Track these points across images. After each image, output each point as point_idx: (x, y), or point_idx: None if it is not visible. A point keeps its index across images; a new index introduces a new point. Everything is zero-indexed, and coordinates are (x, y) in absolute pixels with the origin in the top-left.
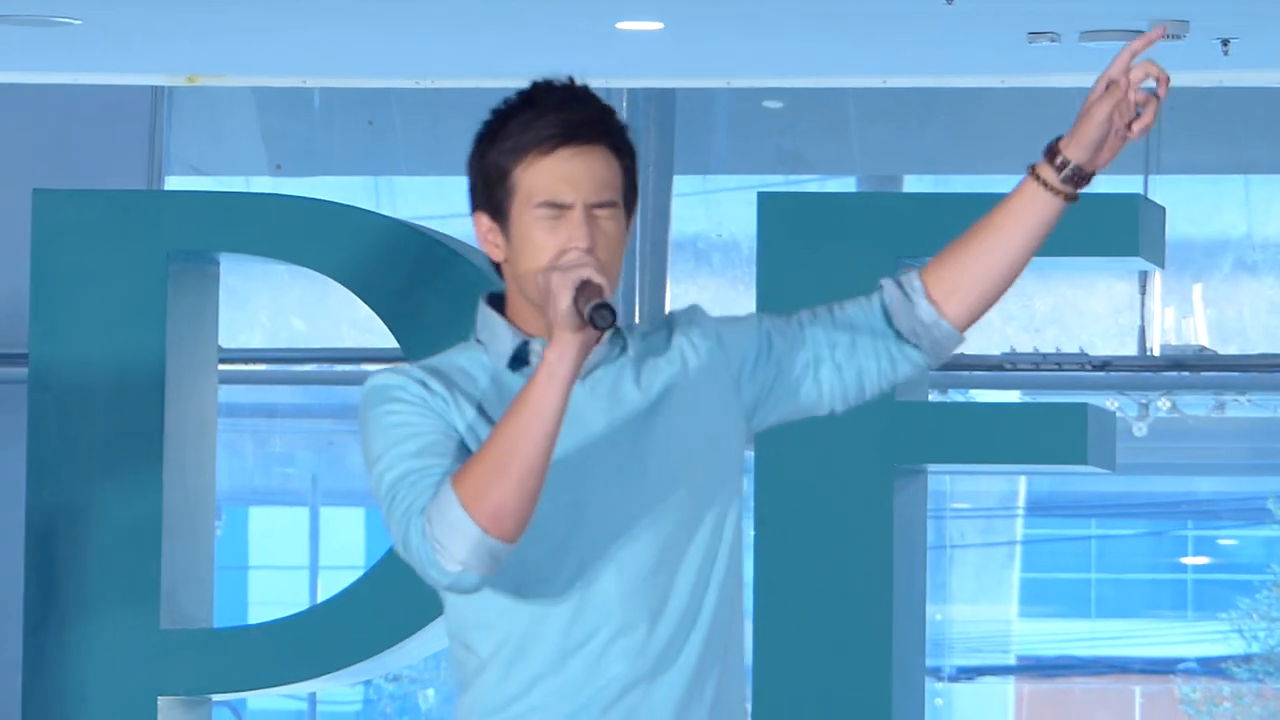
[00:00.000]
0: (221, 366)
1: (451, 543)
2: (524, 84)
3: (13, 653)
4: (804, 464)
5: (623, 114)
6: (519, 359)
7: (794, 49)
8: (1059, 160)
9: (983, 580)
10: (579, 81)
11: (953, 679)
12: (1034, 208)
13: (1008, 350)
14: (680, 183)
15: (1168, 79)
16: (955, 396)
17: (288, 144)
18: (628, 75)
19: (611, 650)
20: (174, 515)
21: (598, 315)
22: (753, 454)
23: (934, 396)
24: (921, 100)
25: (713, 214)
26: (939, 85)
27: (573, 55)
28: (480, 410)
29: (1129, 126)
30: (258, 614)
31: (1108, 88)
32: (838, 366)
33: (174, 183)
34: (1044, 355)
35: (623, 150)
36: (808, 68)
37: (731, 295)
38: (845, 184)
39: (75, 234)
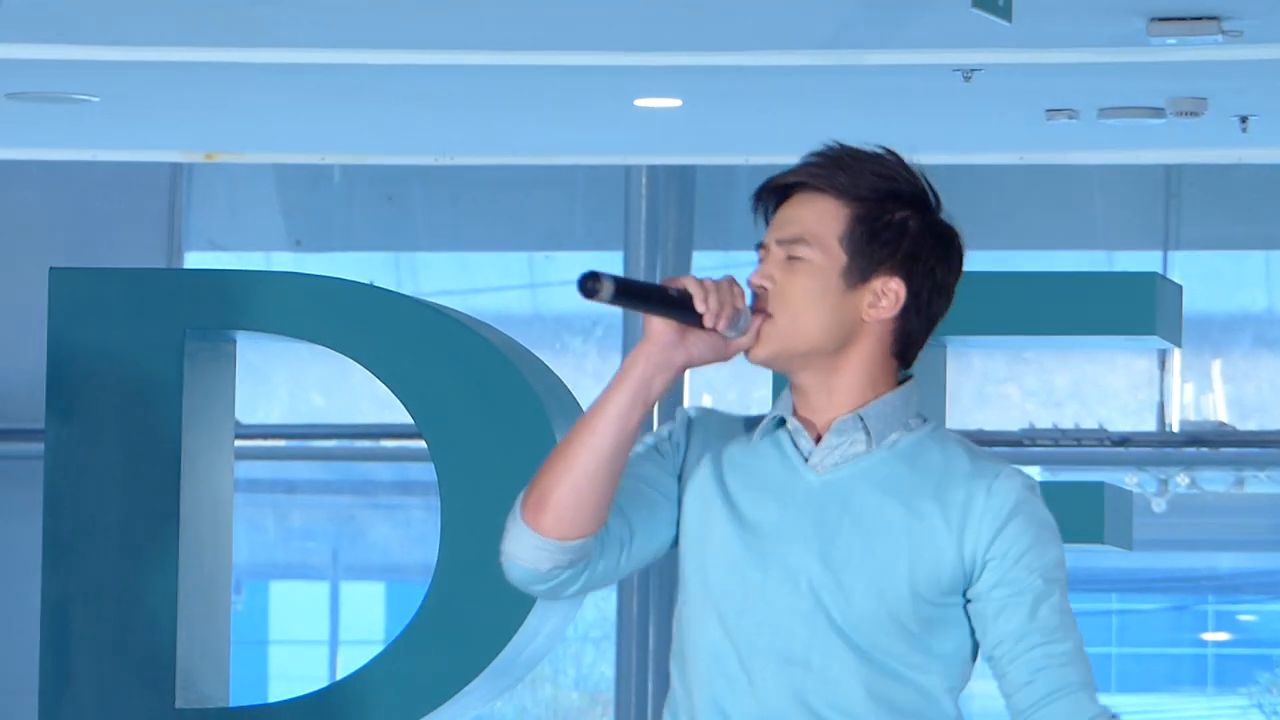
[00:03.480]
0: (241, 442)
1: (506, 531)
2: (543, 160)
3: None
4: None
5: (642, 190)
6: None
7: (813, 125)
8: None
9: None
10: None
11: None
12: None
13: (1027, 426)
14: (700, 258)
15: None
16: None
17: (308, 220)
18: (647, 152)
19: None
20: (190, 593)
21: (583, 280)
22: None
23: None
24: (941, 176)
25: None
26: (958, 162)
27: (592, 132)
28: (711, 463)
29: None
30: (278, 689)
31: None
32: (1001, 675)
33: (194, 259)
34: (1063, 431)
35: (862, 200)
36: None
37: (751, 371)
38: None
39: (91, 312)
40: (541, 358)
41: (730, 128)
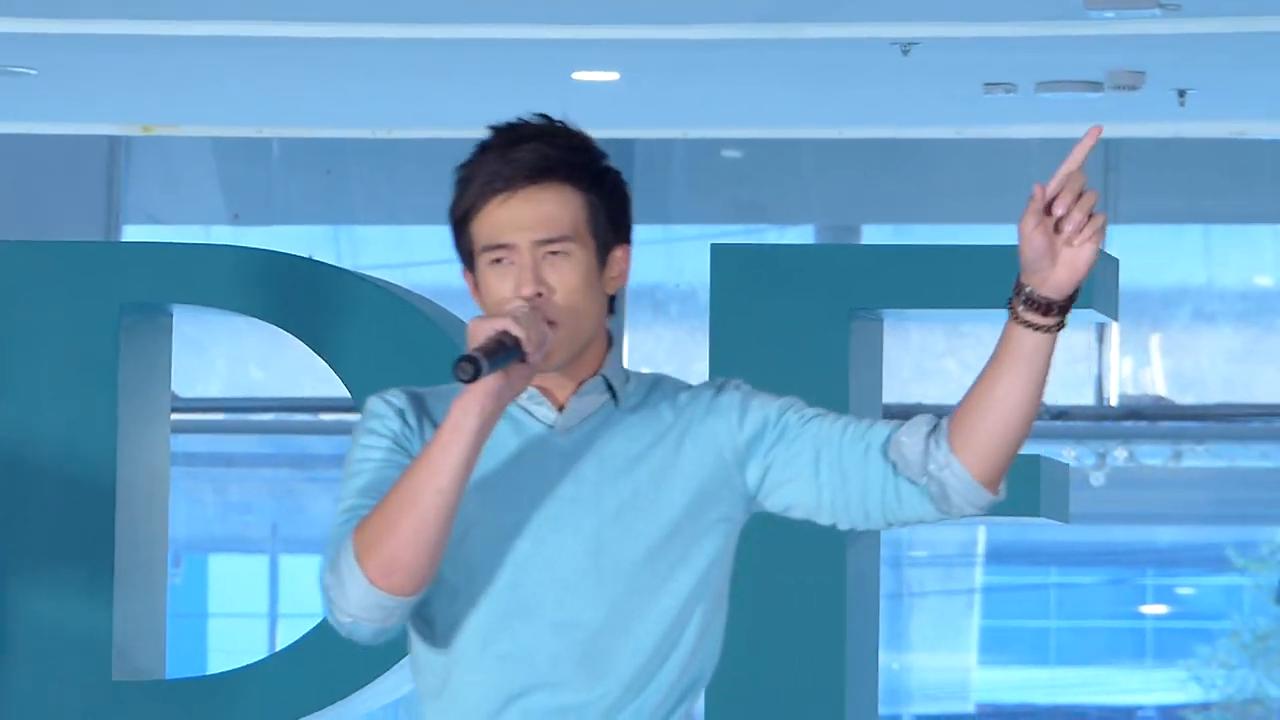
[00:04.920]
0: (178, 416)
1: (343, 592)
2: (481, 134)
3: None
4: (758, 513)
5: None
6: None
7: (750, 99)
8: (1024, 294)
9: (942, 628)
10: (561, 119)
11: None
12: (1021, 346)
13: None
14: (639, 232)
15: (1090, 199)
16: None
17: (246, 193)
18: (584, 126)
19: (544, 705)
20: (126, 567)
21: (458, 368)
22: None
23: None
24: (879, 150)
25: (671, 263)
26: (895, 136)
27: (529, 105)
28: None
29: (1071, 234)
30: (217, 661)
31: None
32: (843, 475)
33: (132, 232)
34: None
35: (591, 185)
36: (764, 118)
37: (689, 345)
38: (804, 233)
39: (28, 285)
40: None
41: (668, 102)
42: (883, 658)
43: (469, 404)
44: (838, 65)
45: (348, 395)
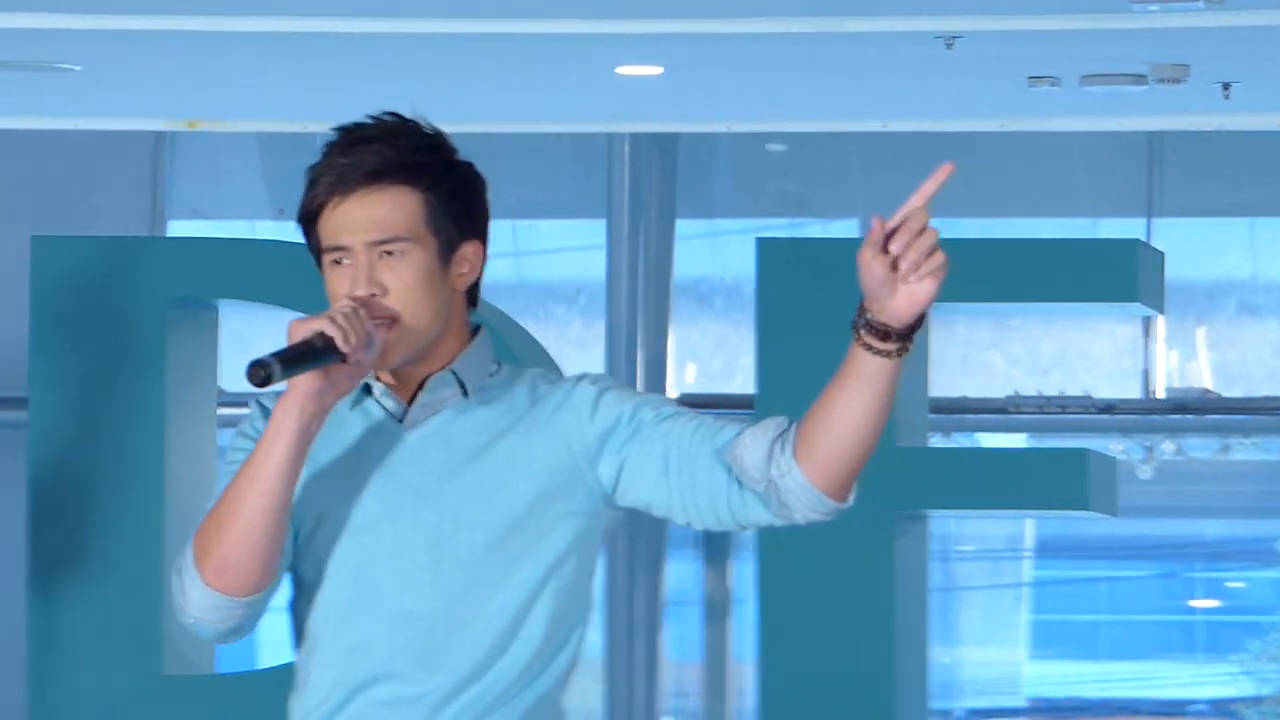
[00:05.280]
0: (225, 410)
1: (184, 593)
2: (525, 129)
3: (17, 698)
4: None
5: (625, 158)
6: (360, 397)
7: (794, 93)
8: (865, 318)
9: (991, 622)
10: (415, 116)
11: None
12: (862, 368)
13: (1012, 394)
14: (683, 226)
15: (932, 234)
16: (960, 440)
17: (291, 188)
18: (629, 120)
19: (383, 697)
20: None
21: (249, 371)
22: None
23: (937, 441)
24: (924, 144)
25: (716, 257)
26: (939, 129)
27: (573, 99)
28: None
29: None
30: (267, 656)
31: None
32: (691, 478)
33: (176, 227)
34: (1048, 398)
35: (431, 185)
36: (808, 112)
37: (734, 339)
38: (848, 226)
39: (74, 280)
40: (525, 326)
41: (712, 96)
42: (933, 652)
43: (289, 405)
44: (881, 59)
45: None
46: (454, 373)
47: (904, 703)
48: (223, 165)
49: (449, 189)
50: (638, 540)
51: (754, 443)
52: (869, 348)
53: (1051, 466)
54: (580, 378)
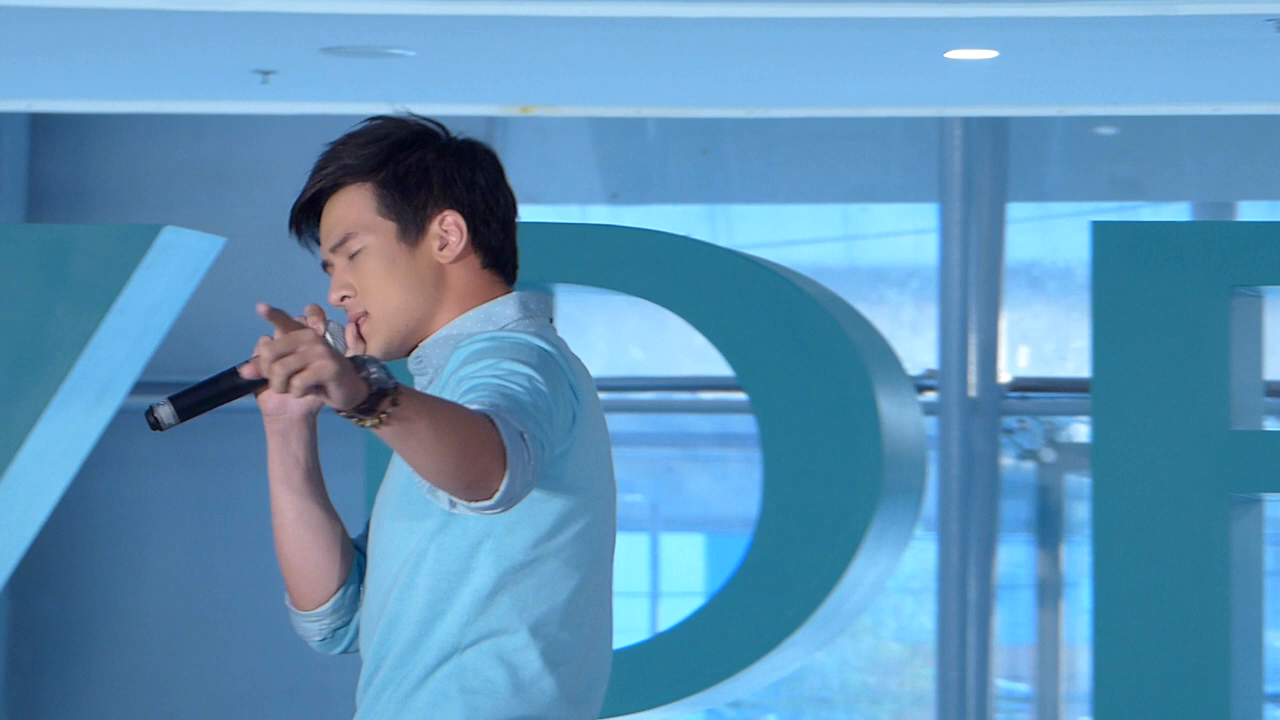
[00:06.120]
0: None
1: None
2: (857, 113)
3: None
4: (1140, 494)
5: (956, 142)
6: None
7: (1126, 76)
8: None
9: None
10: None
11: None
12: (380, 435)
13: None
14: (1015, 209)
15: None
16: None
17: (623, 173)
18: (959, 104)
19: (363, 689)
20: None
21: (149, 418)
22: (1090, 482)
23: (1272, 425)
24: (1256, 127)
25: (1047, 240)
26: (1271, 113)
27: (903, 84)
28: None
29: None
30: None
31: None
32: None
33: None
34: None
35: (374, 170)
36: (1140, 95)
37: (1066, 322)
38: (1179, 210)
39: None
40: (858, 309)
41: (1044, 79)
42: (1269, 636)
43: (269, 446)
44: (1211, 42)
45: (726, 373)
46: (421, 352)
47: (1239, 687)
48: (556, 150)
49: (397, 171)
50: (969, 524)
51: None
52: (361, 424)
53: None
54: (470, 343)
